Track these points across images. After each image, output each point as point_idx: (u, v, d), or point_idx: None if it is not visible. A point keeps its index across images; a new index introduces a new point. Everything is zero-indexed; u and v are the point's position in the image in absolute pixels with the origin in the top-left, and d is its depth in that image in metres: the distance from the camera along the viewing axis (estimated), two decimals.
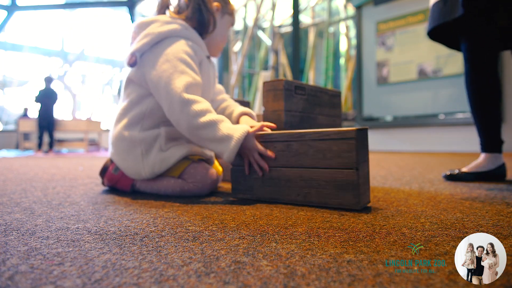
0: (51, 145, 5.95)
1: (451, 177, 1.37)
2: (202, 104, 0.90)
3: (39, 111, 5.85)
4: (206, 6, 1.04)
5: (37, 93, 5.80)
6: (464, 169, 1.37)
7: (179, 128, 0.93)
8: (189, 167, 1.00)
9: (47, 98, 5.85)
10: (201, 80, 0.97)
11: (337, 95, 1.34)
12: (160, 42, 0.98)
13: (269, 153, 0.88)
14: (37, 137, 6.05)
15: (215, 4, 1.05)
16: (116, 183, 1.05)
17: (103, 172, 1.06)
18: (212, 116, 0.89)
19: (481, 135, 1.37)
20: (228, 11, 1.09)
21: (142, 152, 0.99)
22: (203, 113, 0.88)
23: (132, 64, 0.99)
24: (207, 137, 0.88)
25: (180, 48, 0.96)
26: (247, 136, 0.88)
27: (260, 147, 0.89)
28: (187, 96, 0.89)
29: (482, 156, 1.36)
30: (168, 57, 0.94)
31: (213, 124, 0.87)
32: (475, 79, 1.33)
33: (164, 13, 1.08)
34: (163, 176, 1.02)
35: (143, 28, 1.01)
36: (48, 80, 5.92)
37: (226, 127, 0.88)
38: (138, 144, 1.00)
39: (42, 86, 5.88)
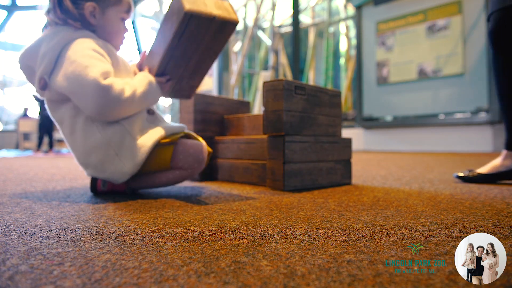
0: (50, 145, 5.95)
1: (467, 180, 1.31)
2: (117, 82, 0.92)
3: (41, 110, 5.85)
4: (61, 7, 0.97)
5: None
6: (480, 171, 1.30)
7: (111, 116, 0.93)
8: (176, 152, 0.99)
9: None
10: (110, 68, 0.94)
11: (337, 95, 1.34)
12: (60, 54, 0.94)
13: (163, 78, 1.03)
14: (37, 137, 6.05)
15: (88, 4, 0.99)
16: (111, 191, 1.04)
17: (93, 189, 1.04)
18: (129, 84, 0.95)
19: (508, 131, 1.30)
20: (110, 4, 1.02)
21: (115, 152, 0.95)
22: (123, 89, 0.92)
23: (43, 87, 0.96)
24: (140, 100, 0.96)
25: (81, 46, 0.93)
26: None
27: (159, 78, 1.02)
28: (105, 82, 0.89)
29: (504, 153, 1.29)
30: (71, 59, 0.91)
31: (135, 88, 0.95)
32: (508, 72, 1.25)
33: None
34: (157, 172, 1.01)
35: (32, 53, 0.96)
36: None
37: (139, 80, 0.98)
38: (107, 146, 0.95)
39: None
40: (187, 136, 1.08)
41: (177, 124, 1.09)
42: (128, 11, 1.07)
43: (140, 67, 1.09)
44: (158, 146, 0.99)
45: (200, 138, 1.09)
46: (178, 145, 1.00)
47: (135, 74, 1.08)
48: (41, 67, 0.94)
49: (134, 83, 0.96)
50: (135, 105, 0.95)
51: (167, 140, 1.00)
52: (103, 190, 1.03)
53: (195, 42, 0.97)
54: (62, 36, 0.95)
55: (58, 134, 6.82)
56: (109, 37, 1.05)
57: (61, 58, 0.94)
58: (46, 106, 1.03)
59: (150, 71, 1.03)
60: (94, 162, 0.97)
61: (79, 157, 1.00)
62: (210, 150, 1.11)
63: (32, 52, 0.97)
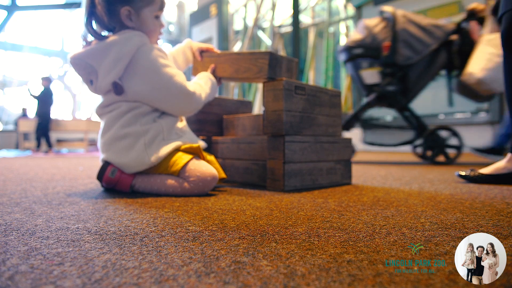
0: (49, 145, 5.94)
1: (468, 179, 1.31)
2: (196, 85, 1.13)
3: (38, 110, 5.85)
4: (95, 17, 1.05)
5: (37, 93, 5.81)
6: (483, 171, 1.29)
7: (189, 114, 1.15)
8: (189, 163, 1.02)
9: (46, 98, 5.86)
10: (177, 69, 1.11)
11: (337, 95, 1.34)
12: (132, 59, 1.02)
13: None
14: (35, 138, 6.05)
15: (123, 9, 1.03)
16: (115, 185, 1.04)
17: (100, 176, 1.05)
18: (203, 92, 1.14)
19: None
20: (143, 5, 1.06)
21: (145, 143, 1.03)
22: (200, 92, 1.13)
23: (119, 92, 1.04)
24: (208, 98, 1.19)
25: (153, 54, 1.04)
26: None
27: (202, 51, 1.31)
28: (190, 88, 1.09)
29: (508, 156, 1.26)
30: (152, 69, 1.03)
31: (205, 90, 1.16)
32: None
33: (101, 36, 1.06)
34: (163, 174, 1.04)
35: (98, 55, 1.02)
36: (48, 80, 5.93)
37: (208, 87, 1.19)
38: (142, 135, 1.04)
39: (42, 86, 5.89)
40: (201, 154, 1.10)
41: (198, 139, 1.21)
42: (161, 7, 1.11)
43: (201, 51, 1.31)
44: (178, 150, 1.07)
45: (216, 164, 1.14)
46: (194, 159, 1.05)
47: (183, 54, 1.30)
48: (113, 71, 1.01)
49: (204, 87, 1.16)
50: (204, 102, 1.16)
51: (187, 146, 1.07)
52: (110, 179, 1.03)
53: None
54: (134, 42, 1.02)
55: (59, 134, 6.82)
56: (148, 34, 1.10)
57: (136, 66, 1.03)
58: (101, 97, 1.11)
59: (209, 60, 1.28)
60: (122, 146, 1.03)
61: (109, 139, 1.05)
62: (224, 176, 1.14)
63: (99, 53, 1.02)
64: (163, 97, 1.05)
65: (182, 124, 1.17)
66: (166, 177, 1.03)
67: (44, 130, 5.88)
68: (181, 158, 1.03)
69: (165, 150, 1.03)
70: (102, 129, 1.09)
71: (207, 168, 1.03)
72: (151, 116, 1.07)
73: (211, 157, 1.14)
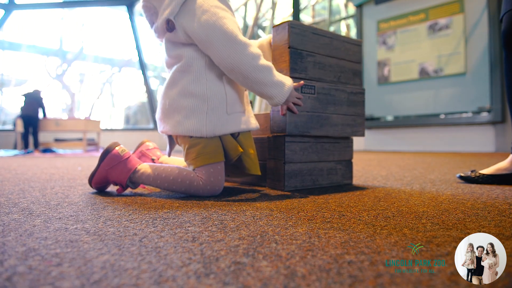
0: (36, 144, 5.94)
1: (468, 180, 1.30)
2: (254, 47, 0.97)
3: (24, 108, 5.89)
4: None
5: (25, 92, 5.91)
6: (484, 171, 1.29)
7: (234, 73, 0.96)
8: (209, 165, 0.98)
9: (33, 99, 5.93)
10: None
11: (359, 92, 1.30)
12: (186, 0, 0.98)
13: (300, 102, 1.07)
14: (22, 137, 6.04)
15: None
16: (117, 165, 1.02)
17: (110, 149, 1.03)
18: (265, 61, 0.98)
19: None
20: None
21: (207, 111, 0.99)
22: (259, 56, 0.96)
23: (171, 28, 1.00)
24: (263, 81, 0.96)
25: None
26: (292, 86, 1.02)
27: (298, 94, 1.05)
28: (243, 38, 0.95)
29: (511, 157, 1.26)
30: (203, 8, 0.96)
31: (269, 69, 0.97)
32: None
33: None
34: (176, 165, 1.03)
35: None
36: (36, 92, 6.02)
37: (278, 74, 0.99)
38: (204, 101, 0.99)
39: (30, 89, 5.99)
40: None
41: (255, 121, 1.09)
42: None
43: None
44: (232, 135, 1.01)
45: (255, 159, 1.06)
46: (218, 163, 0.99)
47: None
48: (168, 8, 0.98)
49: (272, 70, 0.98)
50: (257, 79, 0.96)
51: (235, 146, 1.00)
52: (117, 154, 1.03)
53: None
54: None
55: (59, 134, 6.80)
56: None
57: (191, 3, 0.97)
58: (164, 45, 1.07)
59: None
60: (185, 105, 0.99)
61: (174, 96, 1.01)
62: (259, 173, 1.06)
63: None
64: (209, 37, 0.95)
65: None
66: (181, 167, 1.01)
67: (33, 129, 5.90)
68: (207, 158, 0.98)
69: (222, 130, 0.99)
70: (170, 81, 1.03)
71: (222, 178, 1.00)
72: (218, 69, 1.01)
73: (253, 151, 1.07)
